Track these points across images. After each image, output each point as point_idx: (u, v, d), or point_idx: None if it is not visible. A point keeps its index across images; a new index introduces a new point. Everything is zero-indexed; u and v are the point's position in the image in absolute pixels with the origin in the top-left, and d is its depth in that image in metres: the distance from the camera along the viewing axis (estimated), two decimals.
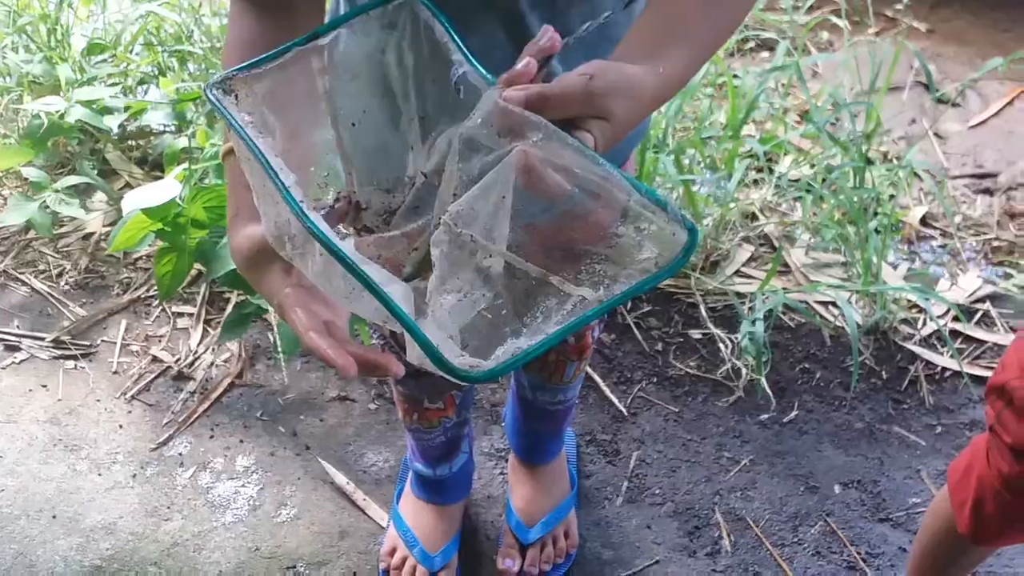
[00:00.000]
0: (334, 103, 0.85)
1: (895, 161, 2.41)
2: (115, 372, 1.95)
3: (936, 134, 2.66)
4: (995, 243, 2.31)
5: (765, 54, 2.92)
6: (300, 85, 0.81)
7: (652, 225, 0.68)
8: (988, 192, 2.51)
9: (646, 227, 0.68)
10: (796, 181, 2.29)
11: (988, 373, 1.93)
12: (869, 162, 2.23)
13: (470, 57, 0.77)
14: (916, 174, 2.33)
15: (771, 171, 2.29)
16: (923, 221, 2.36)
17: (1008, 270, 2.19)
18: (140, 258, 2.14)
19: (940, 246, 2.28)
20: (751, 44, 2.93)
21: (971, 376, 1.91)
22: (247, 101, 0.79)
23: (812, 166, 2.30)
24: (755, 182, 2.30)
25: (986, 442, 1.17)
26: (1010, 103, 2.77)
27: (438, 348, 0.65)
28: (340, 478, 1.77)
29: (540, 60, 0.75)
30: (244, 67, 0.79)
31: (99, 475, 1.79)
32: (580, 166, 0.68)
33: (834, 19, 2.65)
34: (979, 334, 1.99)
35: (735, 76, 2.38)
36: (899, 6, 2.96)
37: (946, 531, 1.30)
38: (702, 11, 0.84)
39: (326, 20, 1.02)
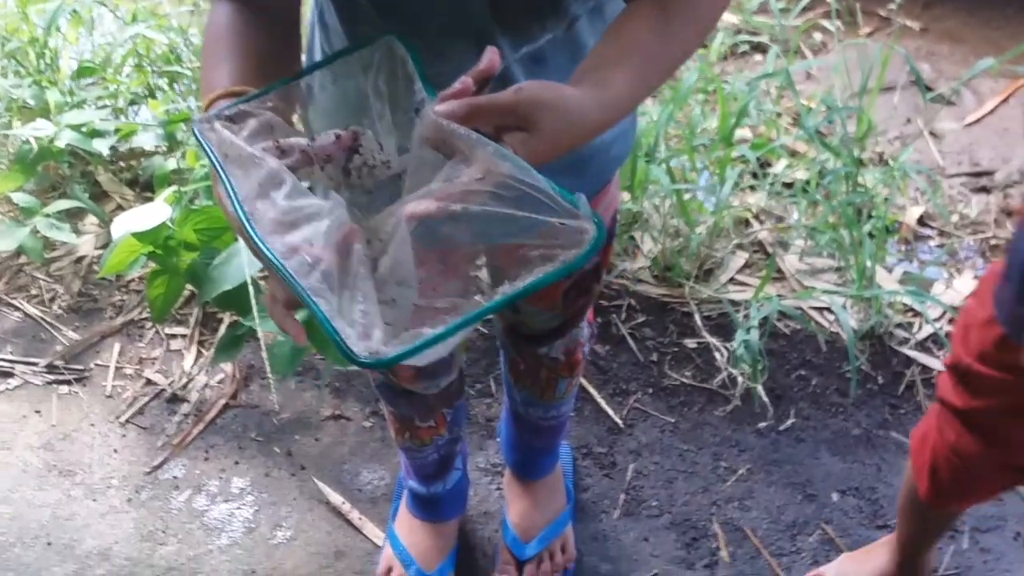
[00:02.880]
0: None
1: (890, 162, 2.40)
2: (109, 396, 1.94)
3: (932, 133, 2.65)
4: (993, 241, 2.29)
5: (759, 57, 2.91)
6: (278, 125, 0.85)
7: (563, 221, 0.73)
8: (985, 190, 2.49)
9: (558, 223, 0.73)
10: (790, 185, 2.28)
11: None
12: (862, 165, 2.22)
13: (426, 84, 0.83)
14: (921, 172, 2.31)
15: (765, 176, 2.28)
16: (921, 221, 2.34)
17: None
18: (132, 280, 2.14)
19: (938, 246, 2.26)
20: (744, 48, 2.92)
21: None
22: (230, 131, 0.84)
23: (807, 170, 2.29)
24: (751, 187, 2.28)
25: (936, 415, 1.26)
26: (1005, 100, 2.76)
27: (339, 335, 0.71)
28: (335, 497, 1.77)
29: (480, 80, 0.79)
30: (229, 106, 0.85)
31: (94, 500, 1.78)
32: (499, 169, 0.74)
33: (824, 22, 2.64)
34: None
35: (725, 82, 2.37)
36: (892, 6, 2.94)
37: (912, 497, 1.38)
38: (655, 41, 0.86)
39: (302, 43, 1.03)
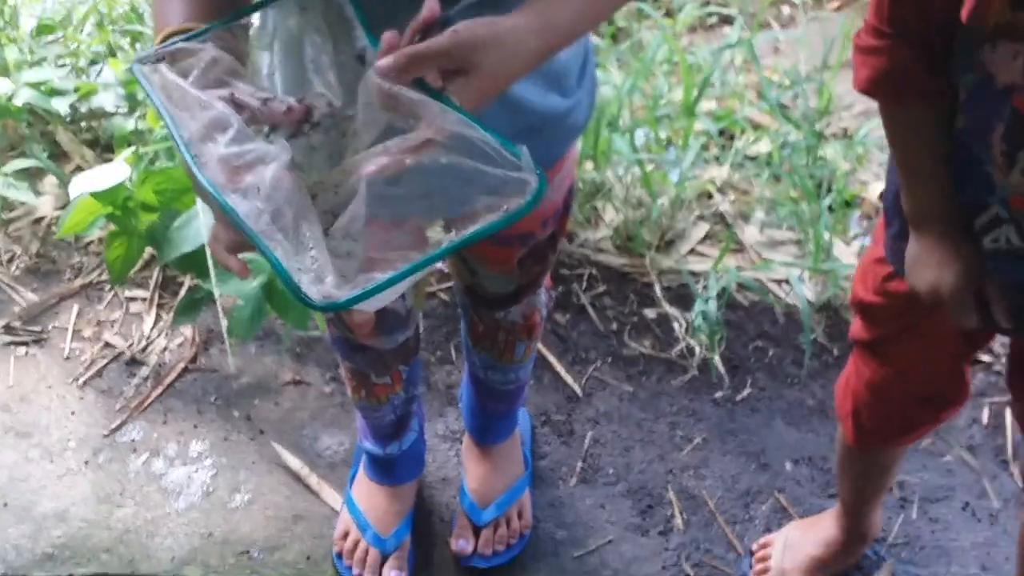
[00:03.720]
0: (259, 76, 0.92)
1: (852, 137, 2.42)
2: (67, 358, 1.93)
3: None
4: None
5: (727, 29, 2.91)
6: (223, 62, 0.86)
7: (508, 173, 0.76)
8: None
9: (502, 174, 0.76)
10: (754, 158, 2.30)
11: None
12: (823, 138, 2.24)
13: (368, 32, 0.86)
14: (874, 148, 2.33)
15: (729, 148, 2.29)
16: (882, 196, 2.36)
17: None
18: (92, 242, 2.12)
19: None
20: (714, 19, 2.92)
21: None
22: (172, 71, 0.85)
23: (771, 142, 2.30)
24: (716, 159, 2.29)
25: (854, 357, 1.36)
26: None
27: (292, 277, 0.73)
28: (294, 462, 1.77)
29: (420, 30, 0.81)
30: (169, 43, 0.86)
31: (51, 462, 1.78)
32: (445, 125, 0.77)
33: None
34: None
35: (689, 54, 2.37)
36: None
37: (844, 449, 1.46)
38: None
39: None
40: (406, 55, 0.79)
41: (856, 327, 1.32)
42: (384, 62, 0.79)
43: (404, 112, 0.79)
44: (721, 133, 2.32)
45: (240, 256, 0.84)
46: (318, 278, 0.74)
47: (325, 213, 0.81)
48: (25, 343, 1.96)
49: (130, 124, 2.10)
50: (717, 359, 1.91)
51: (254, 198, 0.76)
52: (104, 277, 2.05)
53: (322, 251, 0.76)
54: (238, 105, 0.83)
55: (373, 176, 0.77)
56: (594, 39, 2.58)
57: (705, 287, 1.98)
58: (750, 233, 2.15)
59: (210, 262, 1.63)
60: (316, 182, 0.82)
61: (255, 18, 0.90)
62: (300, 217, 0.77)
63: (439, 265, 1.98)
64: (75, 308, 2.02)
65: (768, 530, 1.69)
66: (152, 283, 2.05)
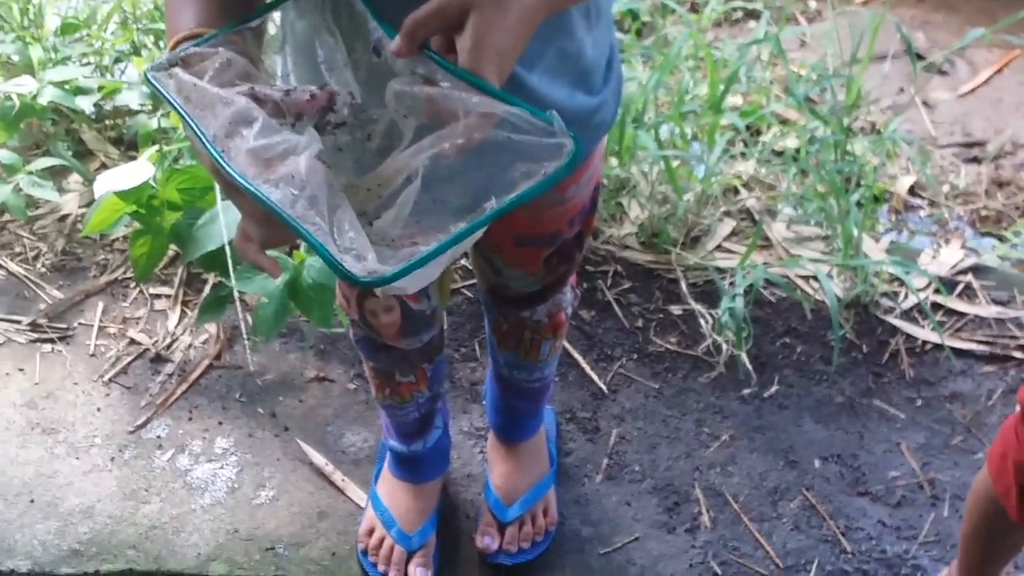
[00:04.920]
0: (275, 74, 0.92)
1: (881, 131, 2.39)
2: (92, 355, 1.94)
3: (925, 103, 2.64)
4: (983, 212, 2.29)
5: (752, 24, 2.89)
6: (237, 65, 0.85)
7: (543, 139, 0.77)
8: (976, 160, 2.49)
9: (539, 141, 0.77)
10: (781, 154, 2.27)
11: (970, 346, 1.92)
12: (851, 133, 2.21)
13: (381, 23, 0.86)
14: (908, 142, 2.31)
15: (755, 143, 2.27)
16: (912, 191, 2.34)
17: (994, 240, 2.18)
18: (117, 240, 2.12)
19: (928, 216, 2.26)
20: (739, 14, 2.90)
21: (952, 349, 1.90)
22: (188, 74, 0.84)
23: (798, 137, 2.28)
24: (742, 155, 2.27)
25: (1014, 425, 1.21)
26: (999, 71, 2.75)
27: (335, 255, 0.73)
28: (319, 459, 1.77)
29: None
30: (184, 48, 0.86)
31: (77, 459, 1.78)
32: (469, 107, 0.77)
33: None
34: (960, 306, 1.98)
35: (715, 49, 2.35)
36: None
37: (993, 514, 1.31)
38: None
39: None
40: (407, 23, 0.80)
41: None
42: (393, 46, 0.80)
43: (439, 111, 0.79)
44: (747, 128, 2.30)
45: (270, 253, 0.83)
46: (359, 256, 0.74)
47: (357, 213, 0.80)
48: (51, 340, 1.96)
49: (154, 122, 2.10)
50: (744, 356, 1.89)
51: (288, 186, 0.76)
52: (129, 274, 2.06)
53: (360, 234, 0.76)
54: (259, 99, 0.82)
55: (445, 153, 0.77)
56: (619, 35, 2.57)
57: (732, 283, 1.97)
58: (777, 229, 2.13)
59: (230, 262, 1.62)
60: (347, 185, 0.82)
61: (268, 21, 0.90)
62: (335, 204, 0.77)
63: (463, 262, 1.98)
64: (100, 305, 2.02)
65: (796, 527, 1.67)
66: (177, 280, 2.05)
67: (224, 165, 0.78)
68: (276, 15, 0.91)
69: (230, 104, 0.80)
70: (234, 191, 0.78)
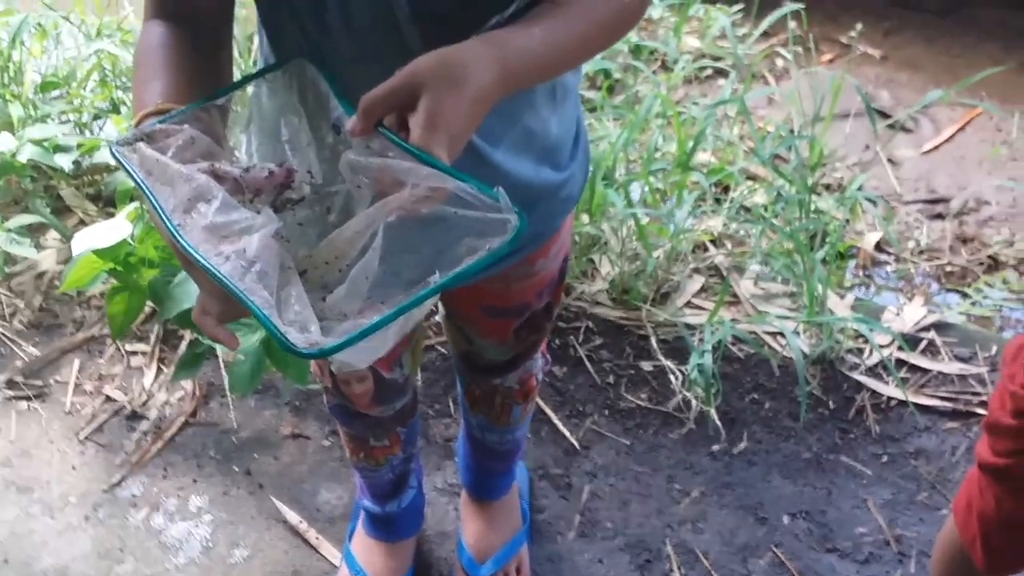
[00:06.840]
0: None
1: (846, 189, 2.45)
2: (68, 412, 1.95)
3: (890, 160, 2.70)
4: (948, 268, 2.35)
5: (722, 82, 2.95)
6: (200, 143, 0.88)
7: (488, 215, 0.79)
8: (940, 217, 2.55)
9: (484, 216, 0.79)
10: (749, 210, 2.32)
11: (933, 402, 1.96)
12: (815, 192, 2.26)
13: (342, 101, 0.89)
14: (872, 200, 2.36)
15: (723, 200, 2.32)
16: (878, 247, 2.39)
17: (958, 297, 2.24)
18: (93, 296, 2.14)
19: (894, 272, 2.31)
20: (708, 72, 2.97)
21: (916, 405, 1.94)
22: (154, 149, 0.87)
23: (766, 194, 2.33)
24: (712, 211, 2.32)
25: (977, 478, 1.22)
26: (961, 129, 2.82)
27: (279, 329, 0.75)
28: (293, 517, 1.78)
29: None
30: (149, 125, 0.88)
31: (52, 518, 1.78)
32: (417, 179, 0.79)
33: (782, 50, 2.69)
34: (924, 363, 2.02)
35: (683, 108, 2.41)
36: (853, 33, 3.00)
37: (960, 562, 1.33)
38: (561, 11, 0.90)
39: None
40: (363, 102, 0.82)
41: (983, 448, 1.20)
42: (350, 124, 0.83)
43: (391, 181, 0.81)
44: (717, 184, 2.35)
45: (228, 326, 0.85)
46: (303, 328, 0.76)
47: (317, 287, 0.83)
48: (27, 398, 1.97)
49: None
50: (713, 412, 1.92)
51: (239, 259, 0.78)
52: (105, 331, 2.07)
53: (306, 308, 0.78)
54: (219, 176, 0.84)
55: (395, 213, 0.80)
56: (591, 93, 2.62)
57: (701, 340, 2.00)
58: (745, 286, 2.17)
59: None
60: (305, 256, 0.84)
61: (232, 100, 0.93)
62: (285, 281, 0.79)
63: (437, 318, 2.00)
64: (76, 362, 2.03)
65: None
66: (153, 337, 2.07)
67: (179, 238, 0.80)
68: (240, 93, 0.94)
69: (190, 180, 0.83)
70: (190, 266, 0.80)
